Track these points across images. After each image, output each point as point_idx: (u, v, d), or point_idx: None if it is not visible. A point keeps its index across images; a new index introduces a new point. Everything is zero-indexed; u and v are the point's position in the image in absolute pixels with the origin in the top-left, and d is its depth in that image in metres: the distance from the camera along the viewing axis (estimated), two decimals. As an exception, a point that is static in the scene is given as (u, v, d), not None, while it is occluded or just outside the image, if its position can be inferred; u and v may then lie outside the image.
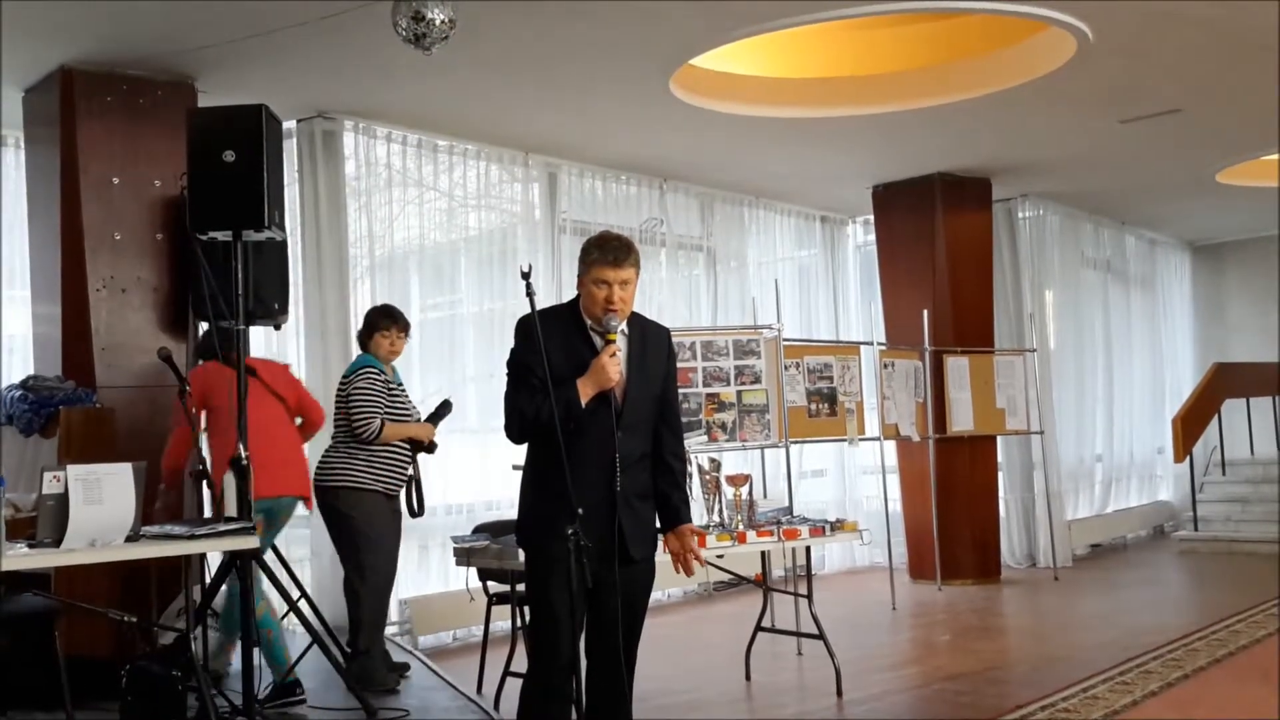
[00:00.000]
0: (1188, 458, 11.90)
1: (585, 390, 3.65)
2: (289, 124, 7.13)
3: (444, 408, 6.14)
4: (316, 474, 5.80)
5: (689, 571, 3.93)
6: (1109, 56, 6.76)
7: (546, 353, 3.63)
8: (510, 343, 3.83)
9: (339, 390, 5.87)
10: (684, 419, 4.13)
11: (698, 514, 5.33)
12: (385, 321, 5.95)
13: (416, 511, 6.08)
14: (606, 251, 3.71)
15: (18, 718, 4.91)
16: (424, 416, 6.07)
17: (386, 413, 5.75)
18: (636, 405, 3.77)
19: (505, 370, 3.82)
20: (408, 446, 5.88)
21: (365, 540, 5.71)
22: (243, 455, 4.87)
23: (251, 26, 5.81)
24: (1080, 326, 11.79)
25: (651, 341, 3.89)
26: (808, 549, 6.49)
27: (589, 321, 3.77)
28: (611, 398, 3.71)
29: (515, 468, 4.08)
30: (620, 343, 3.73)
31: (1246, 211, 12.02)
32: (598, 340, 3.74)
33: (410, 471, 5.96)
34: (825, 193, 10.49)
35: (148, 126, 6.35)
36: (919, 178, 9.85)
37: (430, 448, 5.96)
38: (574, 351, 3.72)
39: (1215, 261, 14.49)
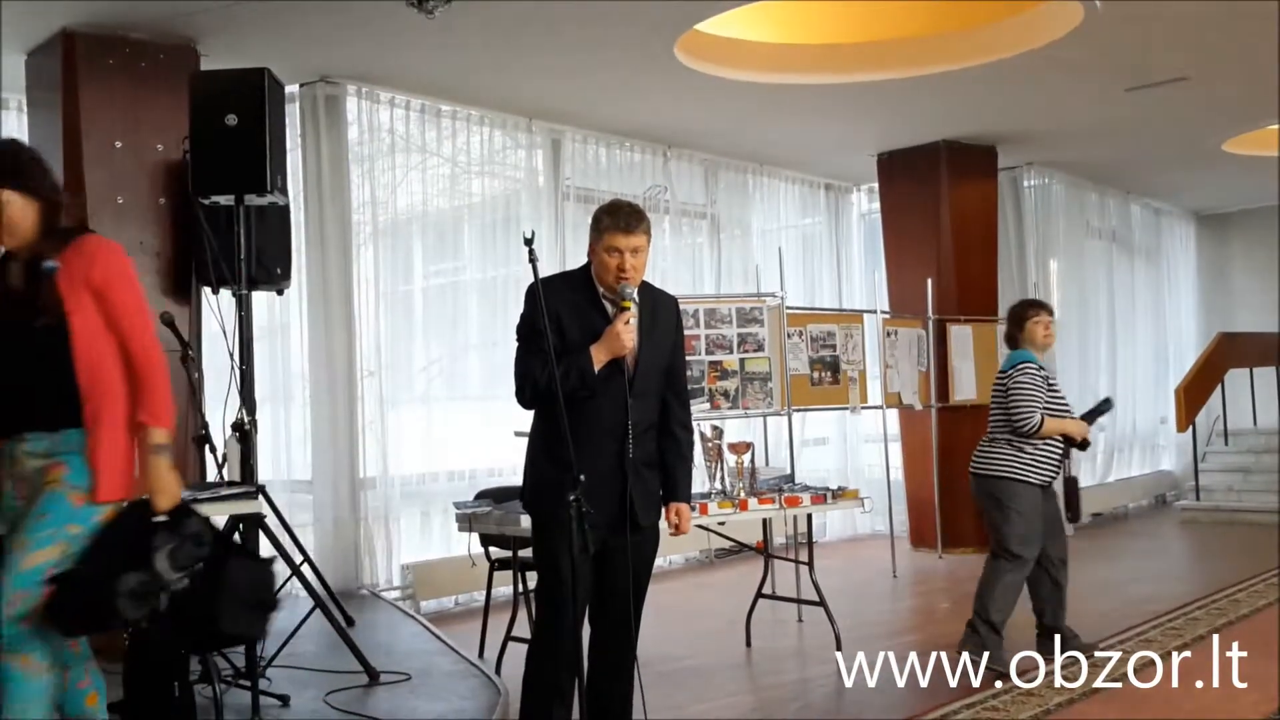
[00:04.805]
0: (1190, 427, 11.90)
1: (599, 357, 3.66)
2: (291, 88, 7.08)
3: (1104, 405, 6.11)
4: (976, 463, 5.86)
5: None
6: (1116, 24, 6.71)
7: (559, 319, 3.65)
8: (514, 309, 3.82)
9: (996, 384, 5.88)
10: (688, 386, 4.14)
11: (700, 481, 5.33)
12: (1033, 310, 6.01)
13: (1073, 517, 6.28)
14: (618, 218, 3.71)
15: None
16: (1079, 413, 5.94)
17: (1045, 407, 5.70)
18: (648, 373, 3.79)
19: (515, 336, 3.82)
20: (1062, 441, 5.79)
21: (1015, 531, 5.67)
22: (245, 421, 4.90)
23: (253, -10, 5.78)
24: (1084, 296, 11.76)
25: (661, 310, 3.90)
26: (809, 516, 6.51)
27: (601, 289, 3.77)
28: (624, 365, 3.71)
29: (518, 434, 4.09)
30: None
31: (1252, 181, 11.95)
32: (610, 307, 3.75)
33: (1060, 468, 5.90)
34: (829, 160, 10.45)
35: (150, 90, 6.30)
36: (924, 145, 9.79)
37: (1083, 445, 5.84)
38: (587, 318, 3.73)
39: (1220, 231, 14.44)
